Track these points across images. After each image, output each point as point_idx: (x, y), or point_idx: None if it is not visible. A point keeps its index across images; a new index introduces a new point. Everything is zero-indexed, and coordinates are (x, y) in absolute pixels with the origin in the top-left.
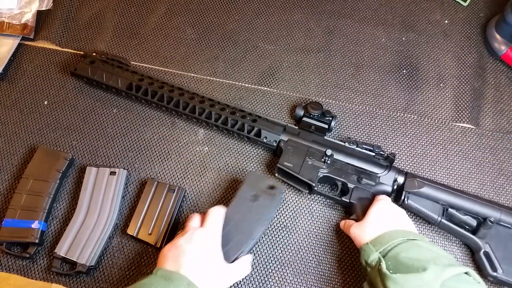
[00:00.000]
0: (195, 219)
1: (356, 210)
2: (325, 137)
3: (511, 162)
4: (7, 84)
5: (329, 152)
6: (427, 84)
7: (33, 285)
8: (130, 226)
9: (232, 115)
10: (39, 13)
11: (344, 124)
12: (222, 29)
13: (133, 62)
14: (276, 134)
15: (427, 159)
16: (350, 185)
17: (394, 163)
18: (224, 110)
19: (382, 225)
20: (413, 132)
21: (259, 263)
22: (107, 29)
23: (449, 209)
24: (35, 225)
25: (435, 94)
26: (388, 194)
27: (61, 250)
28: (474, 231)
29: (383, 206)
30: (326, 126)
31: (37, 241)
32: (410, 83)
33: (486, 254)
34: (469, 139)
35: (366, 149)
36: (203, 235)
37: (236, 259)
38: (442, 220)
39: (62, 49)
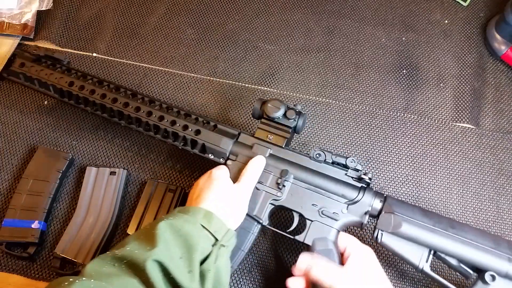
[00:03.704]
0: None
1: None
2: (286, 149)
3: (511, 162)
4: (7, 84)
5: (285, 173)
6: (427, 84)
7: (33, 285)
8: (130, 226)
9: (172, 125)
10: (39, 13)
11: (344, 124)
12: (222, 29)
13: (133, 62)
14: (222, 149)
15: (427, 159)
16: (308, 219)
17: (371, 185)
18: (162, 119)
19: (365, 285)
20: (413, 132)
21: (258, 263)
22: (107, 29)
23: (438, 252)
24: (35, 225)
25: (435, 94)
26: (358, 226)
27: (61, 250)
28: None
29: (368, 263)
30: (288, 134)
31: (37, 241)
32: (410, 83)
33: None
34: (469, 139)
35: (336, 164)
36: (221, 172)
37: None
38: (424, 269)
39: (62, 49)
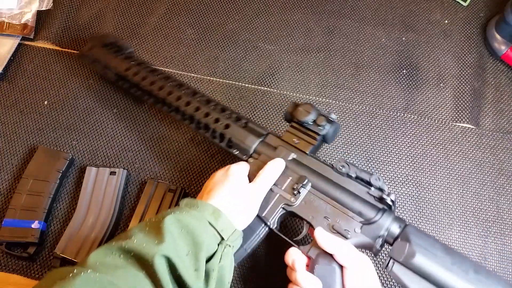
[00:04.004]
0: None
1: (311, 270)
2: (310, 156)
3: (511, 162)
4: (7, 84)
5: (303, 180)
6: (427, 84)
7: (33, 285)
8: (130, 226)
9: (205, 117)
10: (39, 13)
11: (344, 124)
12: (222, 29)
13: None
14: (247, 146)
15: (427, 159)
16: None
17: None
18: (198, 110)
19: None
20: (413, 132)
21: (259, 264)
22: (107, 29)
23: None
24: (35, 225)
25: (435, 94)
26: (369, 249)
27: (61, 250)
28: None
29: (368, 271)
30: (316, 141)
31: (37, 241)
32: (410, 83)
33: None
34: (469, 139)
35: (359, 179)
36: (240, 169)
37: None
38: None
39: (62, 49)
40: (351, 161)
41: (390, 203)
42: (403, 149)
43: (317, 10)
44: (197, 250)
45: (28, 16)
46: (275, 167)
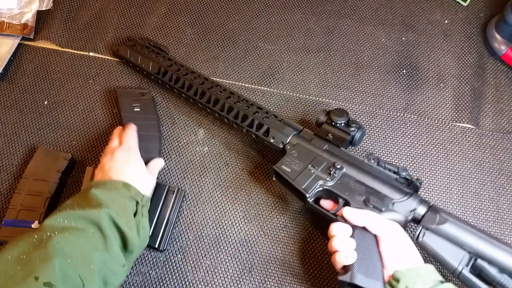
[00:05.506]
0: (114, 140)
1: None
2: (342, 149)
3: (511, 162)
4: (7, 84)
5: (338, 164)
6: (427, 84)
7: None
8: None
9: (245, 109)
10: (39, 13)
11: None
12: (222, 29)
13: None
14: (284, 135)
15: (427, 159)
16: (353, 206)
17: (419, 191)
18: (237, 103)
19: (404, 257)
20: (413, 132)
21: (258, 263)
22: (107, 29)
23: (479, 260)
24: (35, 225)
25: (435, 94)
26: (400, 223)
27: None
28: None
29: (402, 236)
30: (348, 138)
31: None
32: (410, 83)
33: None
34: (469, 139)
35: (388, 169)
36: (124, 151)
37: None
38: (463, 271)
39: (62, 49)
40: None
41: (418, 184)
42: (403, 149)
43: (317, 10)
44: (125, 210)
45: (28, 16)
46: (130, 130)
